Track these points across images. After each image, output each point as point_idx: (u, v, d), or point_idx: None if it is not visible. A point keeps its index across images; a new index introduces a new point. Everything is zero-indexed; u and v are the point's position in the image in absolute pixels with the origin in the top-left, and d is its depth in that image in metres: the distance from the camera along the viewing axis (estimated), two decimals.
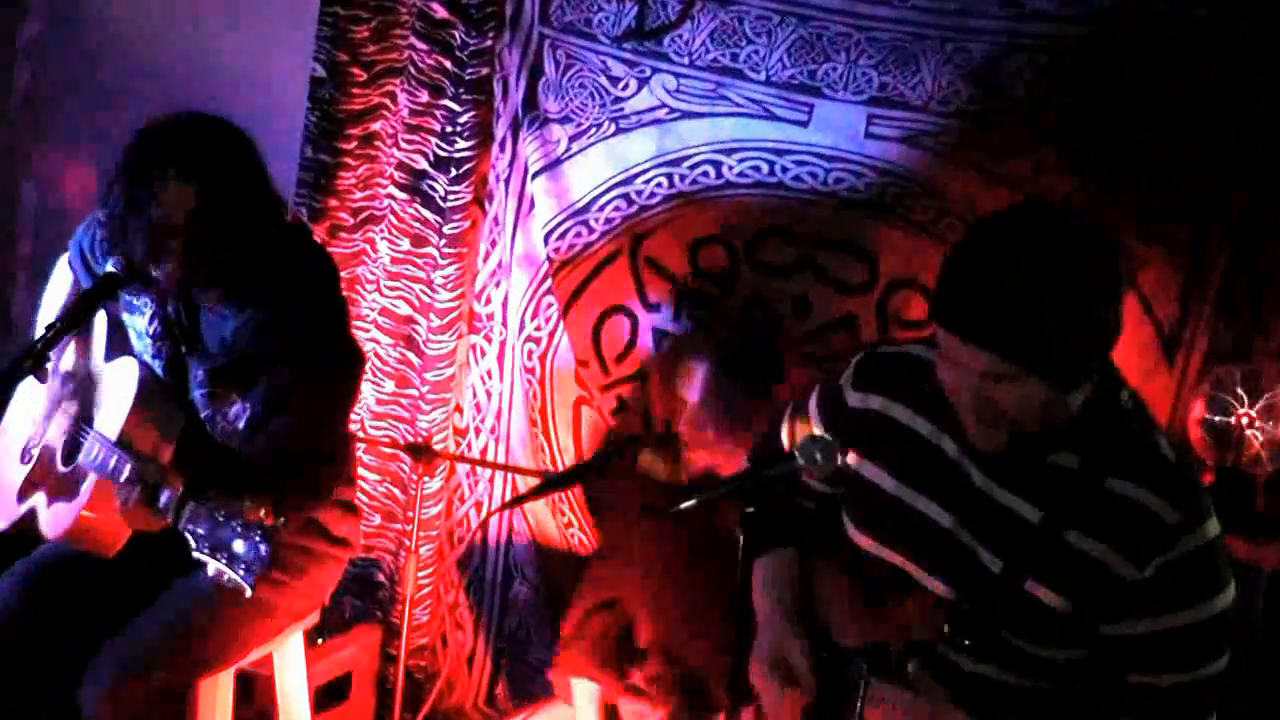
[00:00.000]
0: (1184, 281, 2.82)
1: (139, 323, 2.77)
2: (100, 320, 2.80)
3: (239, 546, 2.39)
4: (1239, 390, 2.75)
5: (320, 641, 3.44)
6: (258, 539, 2.39)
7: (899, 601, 2.08)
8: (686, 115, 3.16)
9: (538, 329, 3.38)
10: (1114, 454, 1.94)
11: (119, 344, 2.82)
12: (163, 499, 2.45)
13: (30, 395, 2.90)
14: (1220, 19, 2.69)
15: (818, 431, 2.19)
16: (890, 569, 2.11)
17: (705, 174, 3.15)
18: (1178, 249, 2.81)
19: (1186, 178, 2.77)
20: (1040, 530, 1.95)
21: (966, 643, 1.99)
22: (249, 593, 2.41)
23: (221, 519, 2.40)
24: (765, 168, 3.10)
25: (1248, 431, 2.73)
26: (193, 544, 2.41)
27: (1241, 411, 2.73)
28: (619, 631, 2.93)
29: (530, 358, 3.40)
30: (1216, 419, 2.75)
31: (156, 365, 2.75)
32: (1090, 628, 1.96)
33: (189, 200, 2.51)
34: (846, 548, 2.19)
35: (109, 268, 2.61)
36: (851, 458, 2.13)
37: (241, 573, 2.39)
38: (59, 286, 2.93)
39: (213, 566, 2.40)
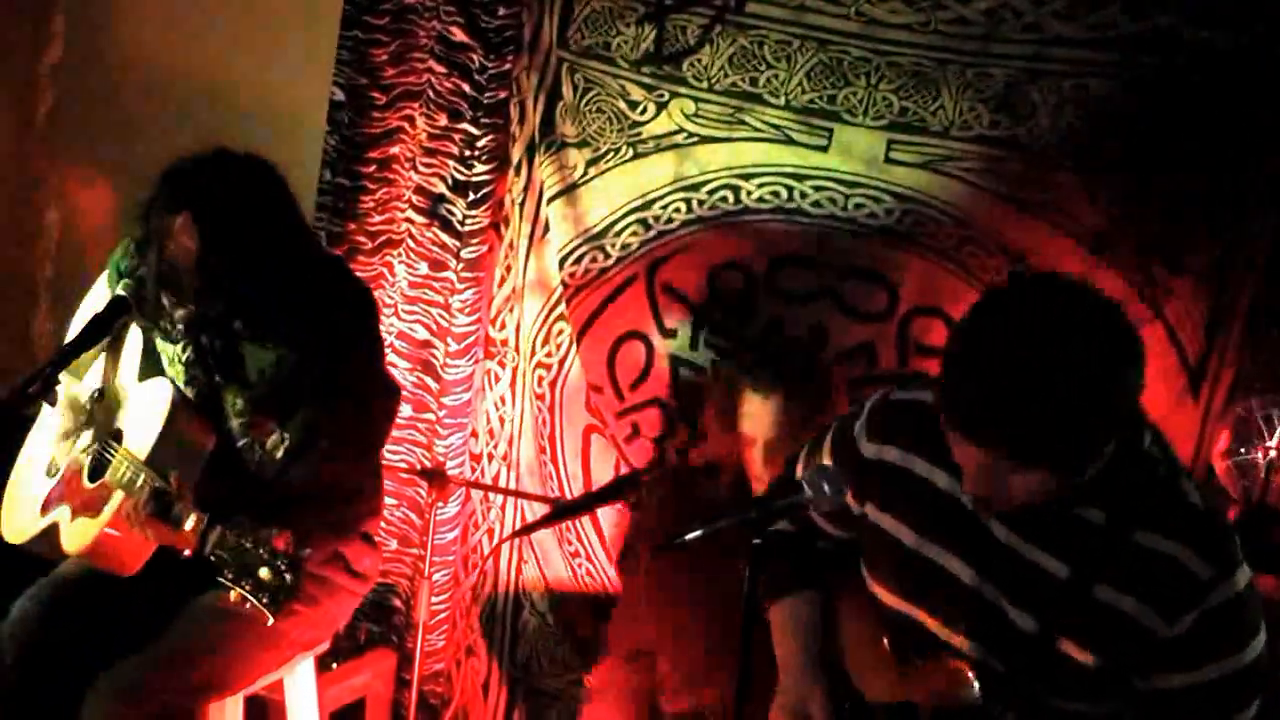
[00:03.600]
0: (1210, 312, 2.79)
1: (172, 350, 2.78)
2: (135, 338, 2.82)
3: (265, 574, 2.39)
4: (1265, 423, 2.71)
5: (335, 666, 3.44)
6: (283, 567, 2.39)
7: (928, 661, 2.04)
8: (705, 140, 3.15)
9: (548, 355, 3.38)
10: (1140, 505, 1.88)
11: (151, 367, 2.84)
12: (189, 523, 2.45)
13: (58, 409, 2.90)
14: (1244, 48, 2.68)
15: (827, 462, 2.16)
16: (914, 626, 2.07)
17: (724, 199, 3.15)
18: (1204, 279, 2.78)
19: (1213, 206, 2.74)
20: (1068, 587, 1.90)
21: (1001, 708, 1.95)
22: (271, 621, 2.40)
23: (248, 546, 2.40)
24: (784, 193, 3.09)
25: (1276, 463, 2.69)
26: (218, 570, 2.41)
27: (1267, 445, 2.70)
28: (644, 683, 2.90)
29: (540, 384, 3.40)
30: (1242, 451, 2.72)
31: (189, 392, 2.76)
32: (1122, 682, 1.92)
33: (197, 240, 2.54)
34: (867, 600, 2.15)
35: (119, 291, 2.64)
36: (869, 510, 2.10)
37: (265, 601, 2.39)
38: (91, 303, 2.94)
39: (236, 593, 2.40)
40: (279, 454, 2.66)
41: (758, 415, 2.74)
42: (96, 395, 2.84)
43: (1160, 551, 1.86)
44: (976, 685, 1.97)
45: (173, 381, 2.77)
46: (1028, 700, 1.96)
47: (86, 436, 2.82)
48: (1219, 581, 1.85)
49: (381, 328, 2.86)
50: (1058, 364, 1.73)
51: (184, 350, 2.75)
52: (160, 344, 2.80)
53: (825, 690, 2.12)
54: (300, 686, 3.00)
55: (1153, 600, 1.86)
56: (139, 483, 2.57)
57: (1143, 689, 1.90)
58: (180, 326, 2.73)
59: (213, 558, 2.42)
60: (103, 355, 2.85)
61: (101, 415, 2.82)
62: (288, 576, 2.38)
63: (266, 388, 2.69)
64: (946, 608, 2.02)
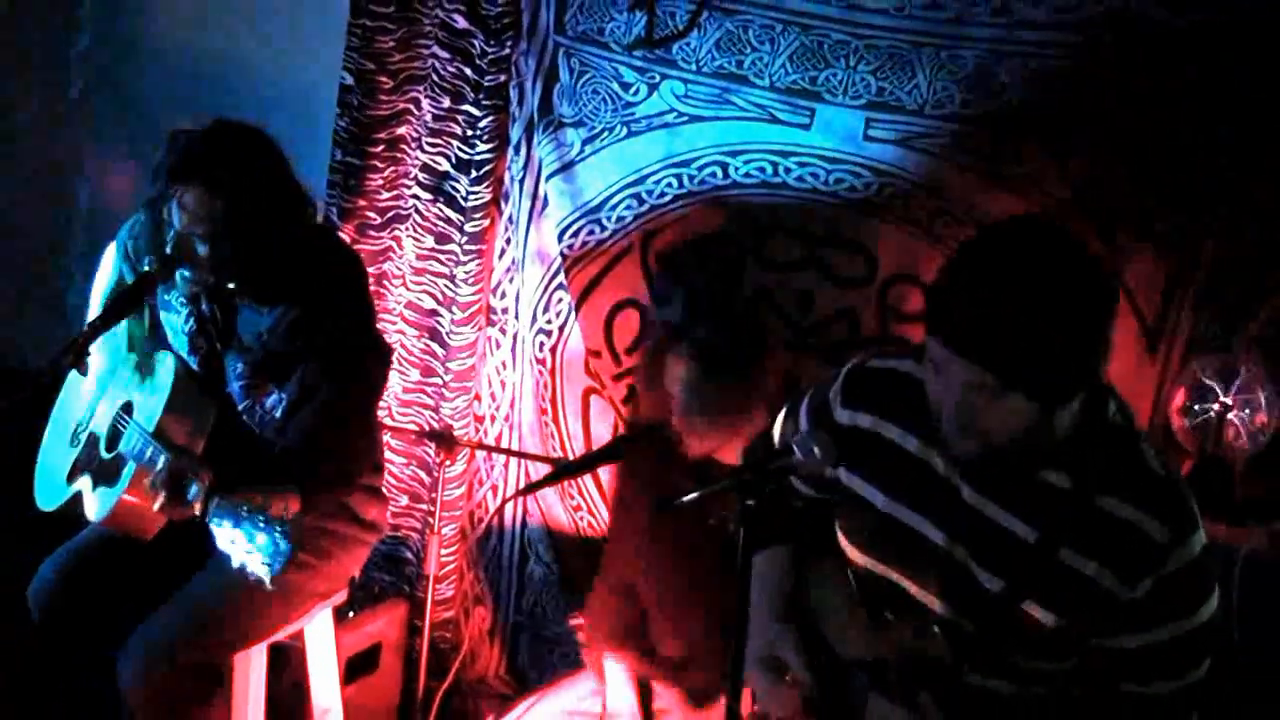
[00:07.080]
0: (1170, 273, 2.81)
1: (175, 321, 2.83)
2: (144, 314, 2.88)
3: (261, 540, 2.41)
4: (1219, 379, 2.74)
5: (351, 615, 3.51)
6: (279, 534, 2.40)
7: (899, 620, 2.07)
8: (694, 119, 3.19)
9: (549, 322, 3.43)
10: (1104, 471, 1.92)
11: (158, 340, 2.89)
12: (191, 491, 2.46)
13: (82, 381, 2.97)
14: (1202, 27, 2.72)
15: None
16: (886, 585, 2.09)
17: (713, 175, 3.19)
18: (1167, 244, 2.80)
19: (1178, 173, 2.77)
20: (1035, 550, 1.93)
21: (967, 666, 2.00)
22: (268, 586, 2.43)
23: (245, 513, 2.41)
24: (770, 169, 3.13)
25: (1228, 418, 2.72)
26: (217, 536, 2.43)
27: (1221, 400, 2.73)
28: (634, 617, 2.95)
29: (541, 349, 3.45)
30: (1197, 407, 2.75)
31: (193, 361, 2.81)
32: (1081, 642, 1.96)
33: (214, 210, 2.56)
34: (839, 559, 2.17)
35: (145, 267, 2.68)
36: (842, 474, 2.10)
37: (262, 566, 2.42)
38: (104, 277, 2.98)
39: (235, 559, 2.43)
40: (278, 413, 2.72)
41: (672, 378, 2.80)
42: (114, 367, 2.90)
43: (1121, 517, 1.90)
44: (942, 639, 2.00)
45: (177, 353, 2.82)
46: (993, 658, 2.00)
47: (104, 407, 2.86)
48: (1176, 546, 1.88)
49: (370, 290, 2.87)
50: (1052, 290, 1.78)
51: (186, 321, 2.79)
52: (165, 317, 2.84)
53: (795, 633, 2.12)
54: (320, 634, 3.11)
55: (1113, 564, 1.90)
56: (148, 453, 2.60)
57: (1099, 647, 1.95)
58: (183, 298, 2.76)
59: (212, 525, 2.42)
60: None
61: (116, 388, 2.87)
62: (283, 544, 2.39)
63: (262, 353, 2.72)
64: (917, 569, 2.04)
